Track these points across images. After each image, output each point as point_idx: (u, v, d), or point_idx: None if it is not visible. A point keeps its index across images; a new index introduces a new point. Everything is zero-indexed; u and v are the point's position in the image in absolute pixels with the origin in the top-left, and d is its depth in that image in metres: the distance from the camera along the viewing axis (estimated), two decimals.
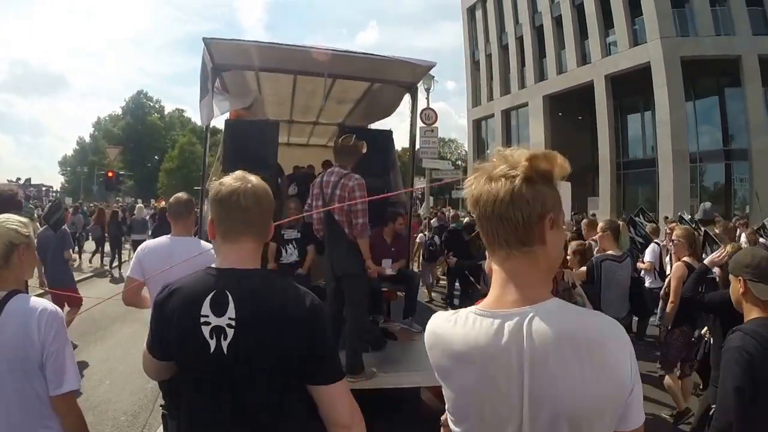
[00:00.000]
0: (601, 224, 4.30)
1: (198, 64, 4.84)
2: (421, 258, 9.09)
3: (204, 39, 4.06)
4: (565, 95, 21.69)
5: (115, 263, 11.88)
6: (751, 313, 1.79)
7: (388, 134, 5.76)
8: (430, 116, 11.83)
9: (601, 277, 3.79)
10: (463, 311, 0.91)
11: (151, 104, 57.37)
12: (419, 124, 10.34)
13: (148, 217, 13.19)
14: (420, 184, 13.37)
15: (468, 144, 27.81)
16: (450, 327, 0.90)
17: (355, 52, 4.49)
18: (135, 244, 11.12)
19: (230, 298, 1.16)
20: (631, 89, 19.69)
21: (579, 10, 20.66)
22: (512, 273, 0.88)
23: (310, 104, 6.23)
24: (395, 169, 5.77)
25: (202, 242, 2.76)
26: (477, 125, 27.28)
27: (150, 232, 11.28)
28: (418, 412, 3.85)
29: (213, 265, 1.25)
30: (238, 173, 1.27)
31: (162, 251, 2.62)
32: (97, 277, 11.19)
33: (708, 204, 8.25)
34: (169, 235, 2.76)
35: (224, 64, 4.50)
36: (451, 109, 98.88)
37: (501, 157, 0.89)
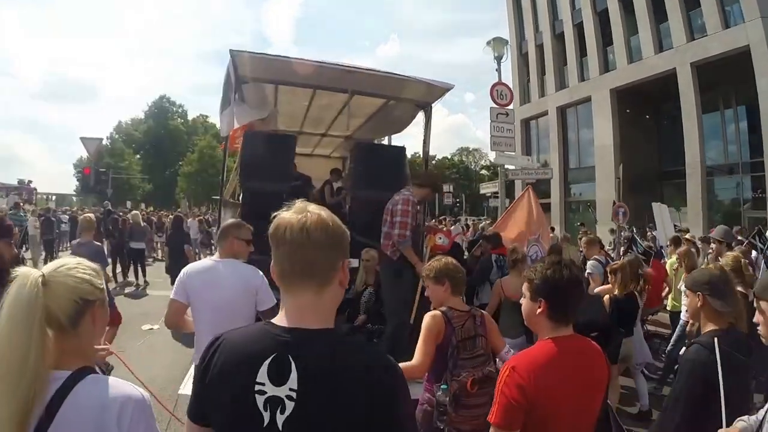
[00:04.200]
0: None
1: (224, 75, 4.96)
2: None
3: (231, 51, 4.15)
4: (633, 89, 18.64)
5: (119, 269, 10.78)
6: (707, 326, 1.93)
7: (400, 150, 5.84)
8: (503, 94, 8.94)
9: None
10: None
11: (174, 109, 56.30)
12: (490, 104, 8.61)
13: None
14: (486, 187, 10.78)
15: (516, 147, 24.61)
16: None
17: (375, 70, 4.56)
18: (133, 253, 10.48)
19: (293, 365, 0.95)
20: (711, 81, 16.57)
21: None
22: None
23: (322, 117, 6.26)
24: (408, 184, 5.49)
25: (245, 264, 2.72)
26: (526, 125, 24.18)
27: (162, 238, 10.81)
28: None
29: (274, 321, 1.03)
30: (300, 205, 1.04)
31: (204, 275, 2.63)
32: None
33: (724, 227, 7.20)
34: (213, 258, 2.79)
35: (247, 76, 4.59)
36: (469, 121, 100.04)
37: None
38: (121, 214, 13.62)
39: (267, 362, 0.95)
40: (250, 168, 4.93)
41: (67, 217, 15.45)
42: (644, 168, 19.37)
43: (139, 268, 10.50)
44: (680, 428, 1.73)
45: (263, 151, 4.88)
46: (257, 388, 0.94)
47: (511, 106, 9.23)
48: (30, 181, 35.60)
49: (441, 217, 18.45)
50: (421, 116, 5.40)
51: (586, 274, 5.00)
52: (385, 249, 3.77)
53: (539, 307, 1.57)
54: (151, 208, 23.65)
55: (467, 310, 2.41)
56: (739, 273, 3.77)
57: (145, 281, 10.39)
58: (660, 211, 10.64)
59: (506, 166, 9.91)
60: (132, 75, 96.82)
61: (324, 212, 1.03)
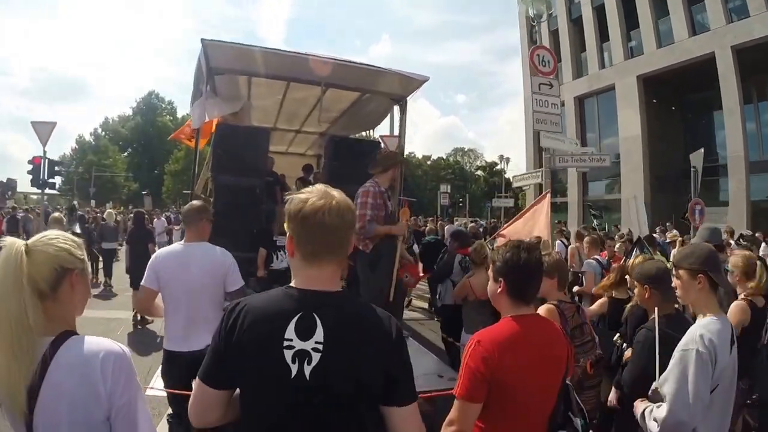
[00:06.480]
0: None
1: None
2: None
3: (202, 40, 4.05)
4: (661, 77, 16.93)
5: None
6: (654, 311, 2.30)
7: (376, 144, 6.22)
8: (546, 60, 7.13)
9: None
10: None
11: (163, 105, 54.13)
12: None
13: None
14: (521, 179, 8.96)
15: (526, 143, 22.79)
16: None
17: (350, 62, 4.55)
18: (106, 254, 9.99)
19: (318, 321, 1.10)
20: (747, 69, 14.90)
21: None
22: None
23: (297, 112, 6.18)
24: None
25: (215, 247, 2.76)
26: None
27: (124, 240, 9.66)
28: None
29: (294, 285, 1.16)
30: (320, 188, 1.17)
31: (177, 258, 2.65)
32: None
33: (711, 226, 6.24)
34: (181, 242, 2.78)
35: (220, 67, 4.46)
36: (461, 122, 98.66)
37: None
38: (88, 211, 12.73)
39: (294, 320, 1.08)
40: (223, 162, 4.85)
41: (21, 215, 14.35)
42: (670, 164, 17.69)
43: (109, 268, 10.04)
44: (636, 381, 2.13)
45: (236, 146, 4.85)
46: (285, 343, 1.07)
47: (553, 76, 7.49)
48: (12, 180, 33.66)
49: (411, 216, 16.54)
50: (397, 112, 5.35)
51: (579, 273, 5.08)
52: (357, 244, 3.90)
53: (500, 287, 1.64)
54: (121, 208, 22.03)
55: (572, 301, 2.62)
56: None
57: (110, 284, 9.77)
58: (635, 205, 9.10)
59: (551, 148, 8.02)
60: (124, 74, 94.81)
61: (341, 194, 1.16)
